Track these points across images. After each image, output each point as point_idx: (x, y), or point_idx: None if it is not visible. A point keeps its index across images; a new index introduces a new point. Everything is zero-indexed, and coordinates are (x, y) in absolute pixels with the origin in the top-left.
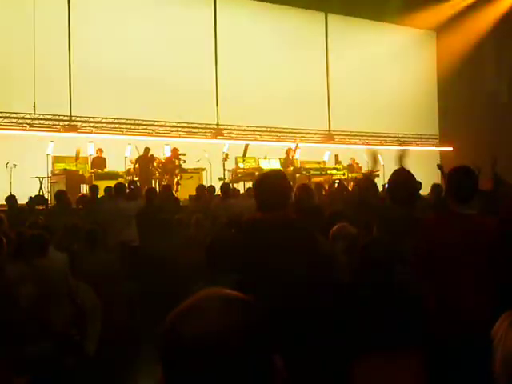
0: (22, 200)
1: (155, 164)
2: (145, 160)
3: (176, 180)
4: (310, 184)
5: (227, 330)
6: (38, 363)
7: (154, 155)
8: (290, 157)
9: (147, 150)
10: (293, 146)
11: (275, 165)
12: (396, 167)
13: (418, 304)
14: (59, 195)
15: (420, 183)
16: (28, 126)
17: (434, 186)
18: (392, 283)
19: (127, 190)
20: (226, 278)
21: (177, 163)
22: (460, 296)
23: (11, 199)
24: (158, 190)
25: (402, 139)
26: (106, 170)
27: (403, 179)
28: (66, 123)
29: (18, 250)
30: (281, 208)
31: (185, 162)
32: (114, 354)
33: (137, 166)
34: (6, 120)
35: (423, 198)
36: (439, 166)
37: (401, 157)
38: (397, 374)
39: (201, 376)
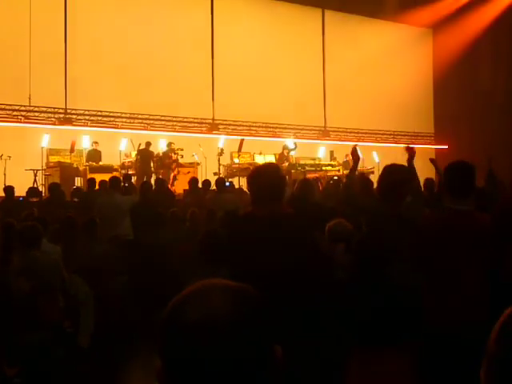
0: (17, 192)
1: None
2: (146, 154)
3: (173, 175)
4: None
5: (230, 317)
6: (30, 354)
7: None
8: (285, 153)
9: (148, 144)
10: (289, 142)
11: (270, 160)
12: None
13: (412, 300)
14: (52, 187)
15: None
16: (23, 118)
17: (426, 181)
18: (385, 279)
19: (122, 184)
20: (221, 271)
21: (174, 158)
22: (457, 293)
23: (8, 190)
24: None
25: (398, 137)
26: (100, 163)
27: (391, 176)
28: (61, 116)
29: (9, 242)
30: (275, 202)
31: (182, 156)
32: (107, 346)
33: (138, 157)
34: (0, 112)
35: (418, 195)
36: (432, 160)
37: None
38: (389, 369)
39: (201, 363)
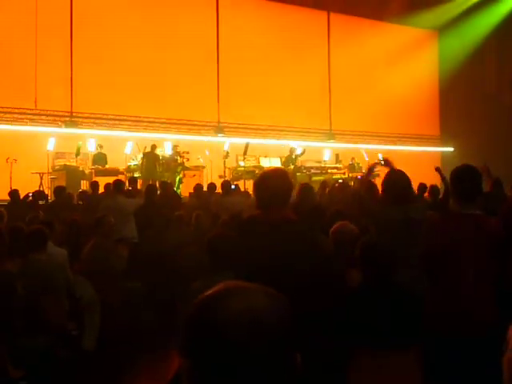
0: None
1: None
2: (151, 157)
3: (178, 178)
4: (311, 183)
5: (272, 314)
6: (35, 357)
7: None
8: (293, 156)
9: (154, 147)
10: (297, 146)
11: (276, 163)
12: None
13: (418, 304)
14: (58, 191)
15: (425, 185)
16: (29, 122)
17: (431, 188)
18: (390, 283)
19: (126, 188)
20: (226, 275)
21: (179, 161)
22: (464, 296)
23: (14, 194)
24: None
25: (403, 139)
26: (106, 166)
27: (397, 180)
28: (67, 119)
29: (16, 245)
30: (280, 207)
31: (188, 160)
32: (112, 349)
33: (144, 160)
34: (7, 115)
35: (422, 199)
36: (437, 169)
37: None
38: (394, 372)
39: (232, 360)
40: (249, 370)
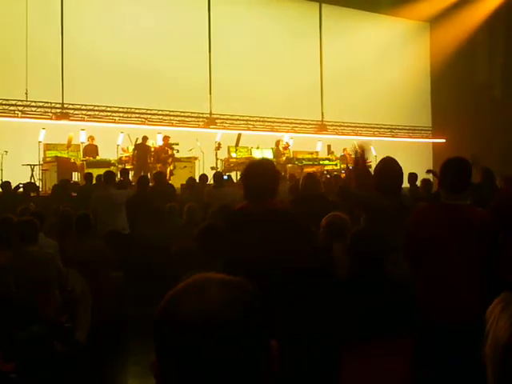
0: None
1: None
2: (143, 148)
3: (169, 169)
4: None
5: (225, 311)
6: (27, 349)
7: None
8: (281, 148)
9: (145, 138)
10: (284, 138)
11: (268, 154)
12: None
13: (408, 293)
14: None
15: (416, 174)
16: (20, 113)
17: (424, 181)
18: (381, 272)
19: (117, 179)
20: (218, 265)
21: (170, 152)
22: (450, 285)
23: (5, 185)
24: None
25: (395, 130)
26: (98, 157)
27: (390, 168)
28: (58, 111)
29: (7, 237)
30: (267, 197)
31: (178, 151)
32: (104, 340)
33: (135, 152)
34: None
35: (412, 188)
36: (431, 172)
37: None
38: (385, 361)
39: (197, 357)
40: (213, 363)
